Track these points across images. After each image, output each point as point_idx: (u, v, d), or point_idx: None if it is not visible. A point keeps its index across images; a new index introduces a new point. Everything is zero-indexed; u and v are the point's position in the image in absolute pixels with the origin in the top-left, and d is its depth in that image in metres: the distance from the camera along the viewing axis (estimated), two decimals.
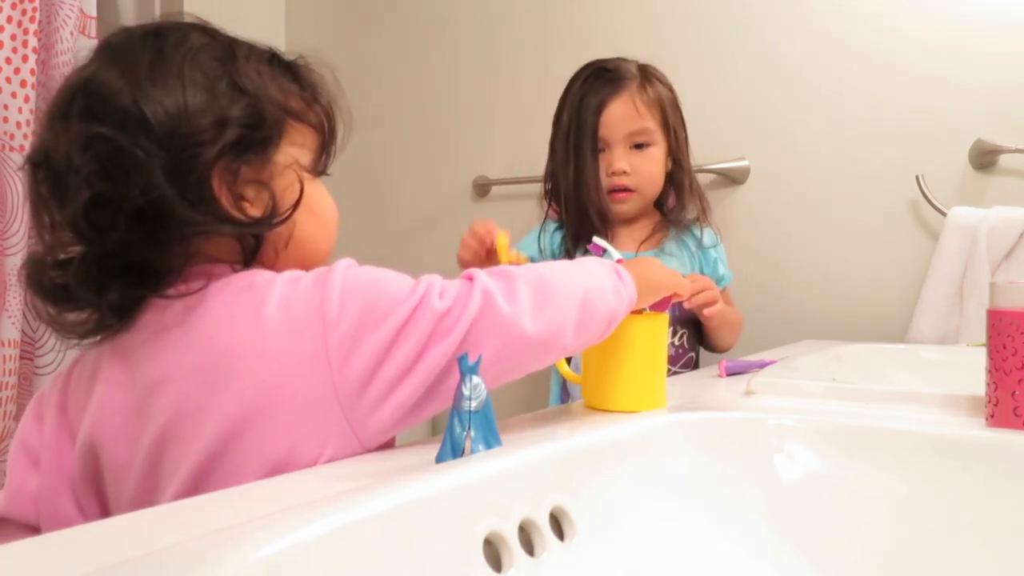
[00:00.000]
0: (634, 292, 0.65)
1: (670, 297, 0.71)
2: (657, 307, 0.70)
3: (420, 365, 0.54)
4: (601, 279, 0.63)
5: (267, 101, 0.61)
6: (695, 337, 1.27)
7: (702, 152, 1.50)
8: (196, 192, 0.57)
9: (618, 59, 1.24)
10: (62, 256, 0.59)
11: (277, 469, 0.54)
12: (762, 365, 0.90)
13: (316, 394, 0.54)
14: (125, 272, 0.58)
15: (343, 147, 0.69)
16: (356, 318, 0.55)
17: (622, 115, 1.19)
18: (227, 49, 0.62)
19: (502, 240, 0.91)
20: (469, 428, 0.48)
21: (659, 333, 0.67)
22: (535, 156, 1.68)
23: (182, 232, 0.57)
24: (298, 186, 0.62)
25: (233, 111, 0.59)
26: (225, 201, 0.58)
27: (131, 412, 0.58)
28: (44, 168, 0.58)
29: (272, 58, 0.66)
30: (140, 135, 0.56)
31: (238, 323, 0.56)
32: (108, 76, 0.58)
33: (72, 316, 0.61)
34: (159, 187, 0.55)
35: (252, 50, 0.65)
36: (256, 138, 0.60)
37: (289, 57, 0.68)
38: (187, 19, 0.65)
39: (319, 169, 0.67)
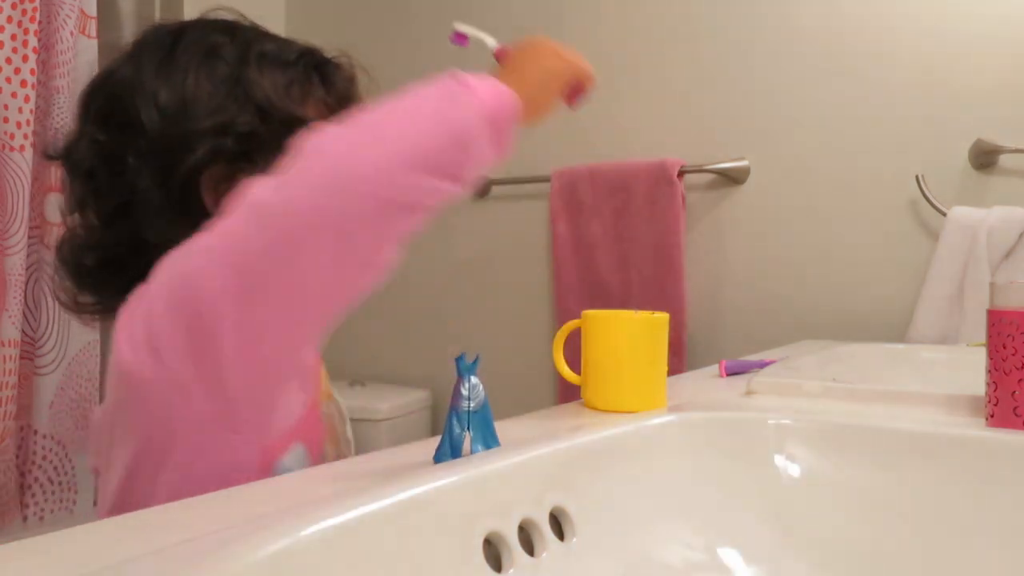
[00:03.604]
0: (498, 95, 0.52)
1: (581, 85, 0.59)
2: (569, 99, 0.58)
3: None
4: (411, 107, 0.51)
5: (275, 109, 0.60)
6: None
7: (702, 152, 1.50)
8: (182, 197, 0.58)
9: None
10: (81, 240, 0.62)
11: (181, 485, 0.53)
12: (762, 365, 0.90)
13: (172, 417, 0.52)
14: (105, 270, 0.60)
15: None
16: None
17: None
18: (243, 51, 0.61)
19: None
20: (468, 428, 0.48)
21: (659, 333, 0.67)
22: (535, 156, 1.68)
23: (160, 238, 0.57)
24: None
25: (234, 118, 0.59)
26: (213, 208, 0.58)
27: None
28: (62, 161, 0.62)
29: (300, 58, 0.63)
30: (138, 140, 0.58)
31: None
32: (124, 73, 0.60)
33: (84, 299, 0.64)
34: (145, 191, 0.57)
35: (276, 51, 0.62)
36: (253, 147, 0.59)
37: (328, 55, 0.65)
38: (225, 14, 0.64)
39: None
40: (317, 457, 0.64)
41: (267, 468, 0.57)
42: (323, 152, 0.48)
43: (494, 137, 0.52)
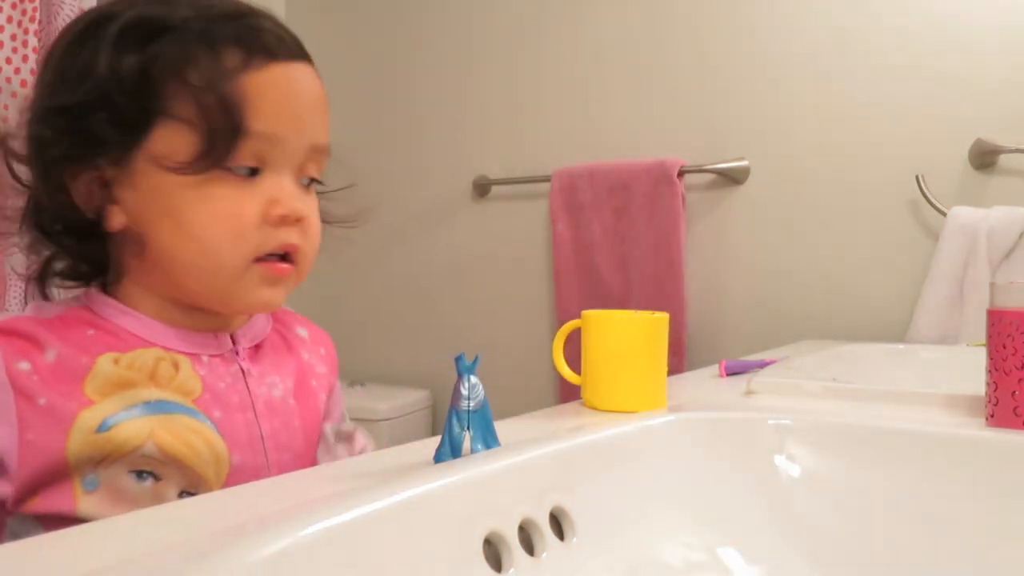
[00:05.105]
0: None
1: None
2: None
3: None
4: None
5: (121, 93, 0.54)
6: None
7: (702, 152, 1.50)
8: (57, 200, 0.57)
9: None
10: None
11: None
12: (762, 365, 0.90)
13: None
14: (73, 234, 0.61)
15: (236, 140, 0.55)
16: None
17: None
18: (100, 18, 0.56)
19: None
20: (468, 428, 0.48)
21: (659, 333, 0.67)
22: (535, 156, 1.68)
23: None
24: (158, 192, 0.56)
25: (76, 105, 0.55)
26: (87, 209, 0.57)
27: None
28: None
29: (185, 24, 0.55)
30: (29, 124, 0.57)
31: None
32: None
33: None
34: (33, 188, 0.57)
35: (149, 19, 0.55)
36: (102, 137, 0.55)
37: (240, 23, 0.57)
38: None
39: (210, 162, 0.55)
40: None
41: None
42: None
43: None
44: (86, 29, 0.56)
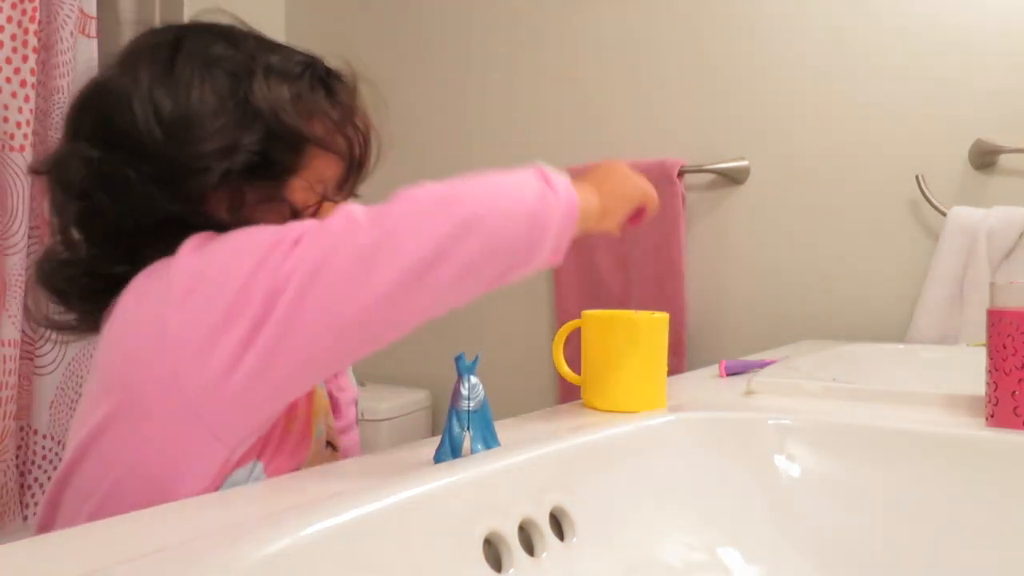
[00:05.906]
0: (574, 199, 0.56)
1: (642, 211, 0.66)
2: (633, 220, 0.66)
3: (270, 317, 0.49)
4: (509, 184, 0.54)
5: (283, 126, 0.59)
6: None
7: (702, 152, 1.50)
8: (193, 212, 0.57)
9: None
10: (65, 257, 0.60)
11: (119, 488, 0.52)
12: (762, 365, 0.90)
13: (160, 384, 0.50)
14: (94, 288, 0.59)
15: (375, 167, 0.68)
16: (202, 287, 0.50)
17: None
18: (247, 64, 0.59)
19: None
20: (468, 428, 0.48)
21: (659, 333, 0.67)
22: (535, 156, 1.68)
23: (160, 256, 0.55)
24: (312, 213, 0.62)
25: (240, 138, 0.57)
26: (224, 223, 0.57)
27: None
28: (50, 178, 0.59)
29: (304, 70, 0.62)
30: (139, 159, 0.56)
31: (110, 317, 0.55)
32: (119, 84, 0.58)
33: (60, 315, 0.62)
34: (155, 212, 0.56)
35: (281, 64, 0.61)
36: (261, 165, 0.58)
37: (331, 66, 0.64)
38: (222, 18, 0.63)
39: (345, 192, 0.65)
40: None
41: (218, 481, 0.54)
42: (460, 202, 0.52)
43: (558, 243, 0.56)
44: (209, 63, 0.59)
